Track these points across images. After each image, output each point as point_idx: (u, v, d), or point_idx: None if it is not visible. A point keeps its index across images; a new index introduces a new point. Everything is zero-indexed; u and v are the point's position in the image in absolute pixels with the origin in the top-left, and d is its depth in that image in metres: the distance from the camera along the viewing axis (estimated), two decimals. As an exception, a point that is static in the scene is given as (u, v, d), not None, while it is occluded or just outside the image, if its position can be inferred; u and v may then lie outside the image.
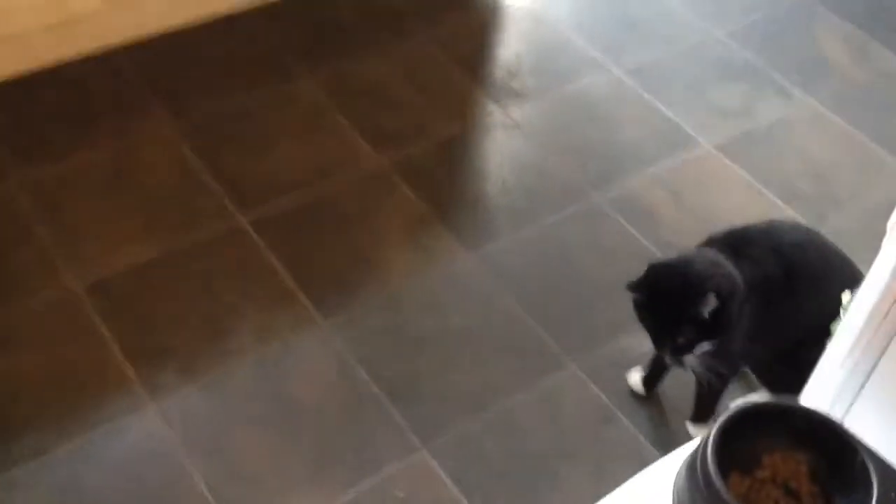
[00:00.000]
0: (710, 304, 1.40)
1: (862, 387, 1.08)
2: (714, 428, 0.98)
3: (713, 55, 2.62)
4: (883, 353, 1.04)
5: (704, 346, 1.44)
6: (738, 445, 1.00)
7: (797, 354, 1.58)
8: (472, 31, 2.67)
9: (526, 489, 1.71)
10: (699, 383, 1.70)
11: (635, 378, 1.84)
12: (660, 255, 2.10)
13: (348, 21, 2.60)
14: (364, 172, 2.22)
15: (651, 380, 1.82)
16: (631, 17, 2.72)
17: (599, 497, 1.68)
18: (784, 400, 1.02)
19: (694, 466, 0.98)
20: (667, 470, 1.11)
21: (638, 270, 2.07)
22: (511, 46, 2.61)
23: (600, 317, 1.98)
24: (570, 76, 2.52)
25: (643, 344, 1.92)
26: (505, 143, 2.35)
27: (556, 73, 2.54)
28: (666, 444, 1.77)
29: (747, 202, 2.25)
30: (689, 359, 1.53)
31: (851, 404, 1.10)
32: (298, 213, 2.12)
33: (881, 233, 2.17)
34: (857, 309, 1.05)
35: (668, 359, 1.50)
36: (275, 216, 2.10)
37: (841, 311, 1.20)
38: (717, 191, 2.28)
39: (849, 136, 2.42)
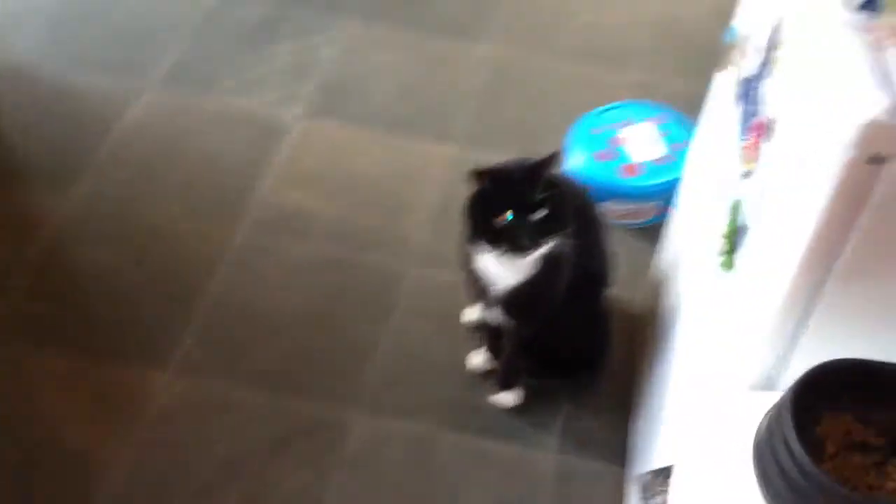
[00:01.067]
0: (561, 160, 1.39)
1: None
2: (785, 429, 0.86)
3: (231, 24, 2.34)
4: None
5: (549, 242, 1.39)
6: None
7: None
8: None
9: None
10: (506, 346, 1.62)
11: (477, 360, 1.71)
12: (345, 248, 1.88)
13: None
14: None
15: (494, 345, 1.67)
16: (117, 25, 2.33)
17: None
18: (813, 368, 0.92)
19: (783, 471, 0.87)
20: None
21: (332, 282, 1.83)
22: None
23: (340, 353, 1.75)
24: (103, 127, 2.10)
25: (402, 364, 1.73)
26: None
27: (82, 140, 2.09)
28: (508, 431, 1.64)
29: (377, 150, 2.09)
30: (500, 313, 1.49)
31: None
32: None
33: (508, 125, 2.13)
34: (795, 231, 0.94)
35: (516, 249, 1.38)
36: None
37: (728, 216, 1.13)
38: (343, 157, 2.08)
39: (401, 40, 2.34)
